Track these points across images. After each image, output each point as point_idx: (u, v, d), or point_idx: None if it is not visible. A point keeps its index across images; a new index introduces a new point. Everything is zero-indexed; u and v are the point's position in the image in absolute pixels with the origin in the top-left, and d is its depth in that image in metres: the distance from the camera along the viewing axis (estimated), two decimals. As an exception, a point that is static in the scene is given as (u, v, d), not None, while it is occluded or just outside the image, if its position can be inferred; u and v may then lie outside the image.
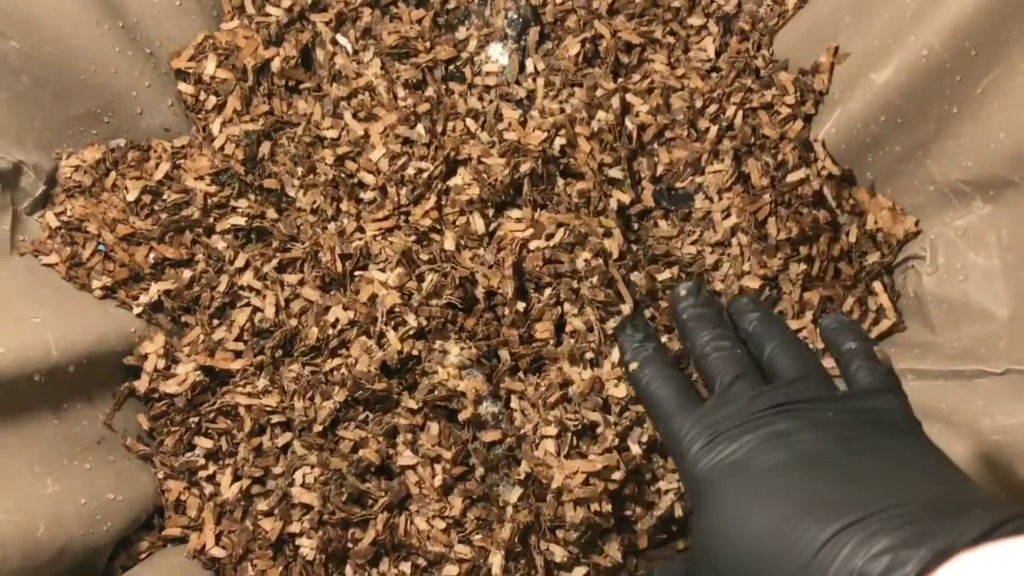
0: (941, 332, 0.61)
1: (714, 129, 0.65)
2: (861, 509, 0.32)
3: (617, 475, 0.56)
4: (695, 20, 0.70)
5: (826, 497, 0.33)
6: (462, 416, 0.58)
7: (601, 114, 0.64)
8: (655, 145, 0.66)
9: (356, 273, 0.61)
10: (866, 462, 0.36)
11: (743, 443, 0.38)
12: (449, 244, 0.60)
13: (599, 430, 0.57)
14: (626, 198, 0.63)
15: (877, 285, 0.65)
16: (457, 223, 0.61)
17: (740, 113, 0.65)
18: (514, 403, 0.59)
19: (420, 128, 0.64)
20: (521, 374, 0.60)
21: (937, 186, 0.62)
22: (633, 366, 0.49)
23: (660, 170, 0.65)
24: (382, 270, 0.60)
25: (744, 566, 0.34)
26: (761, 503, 0.34)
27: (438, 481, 0.57)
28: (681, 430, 0.41)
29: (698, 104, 0.66)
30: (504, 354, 0.59)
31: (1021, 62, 0.56)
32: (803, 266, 0.62)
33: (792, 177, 0.63)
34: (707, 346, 0.46)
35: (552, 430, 0.57)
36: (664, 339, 0.58)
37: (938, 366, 0.59)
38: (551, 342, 0.59)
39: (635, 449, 0.57)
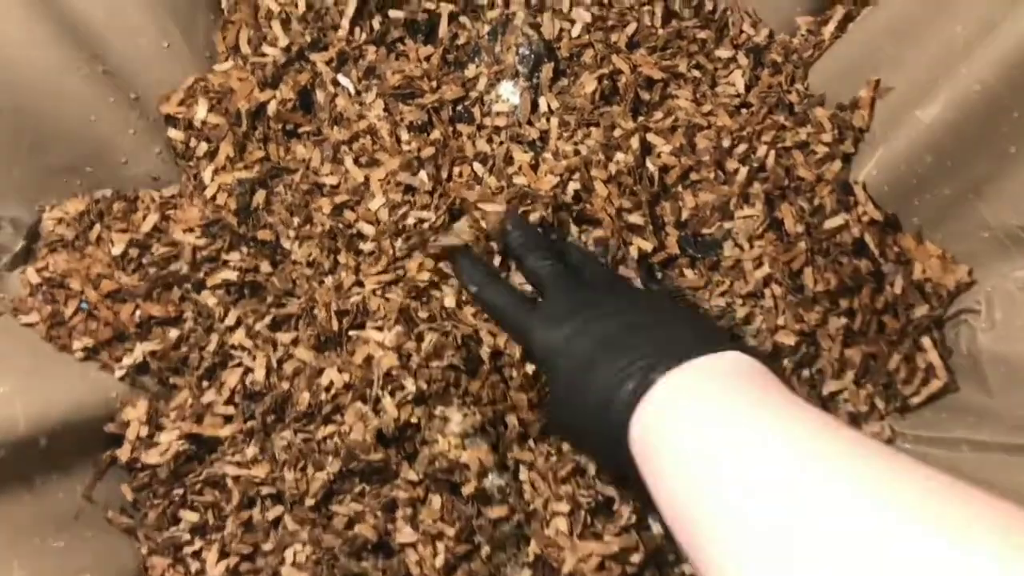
0: (998, 395, 0.55)
1: (744, 170, 0.60)
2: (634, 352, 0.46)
3: (635, 558, 0.51)
4: (723, 52, 0.65)
5: (615, 345, 0.48)
6: (466, 490, 0.53)
7: (619, 155, 0.60)
8: (679, 188, 0.61)
9: (352, 332, 0.57)
10: (637, 320, 0.50)
11: (571, 323, 0.50)
12: (450, 301, 0.56)
13: (616, 506, 0.53)
14: (648, 245, 0.58)
15: (926, 341, 0.59)
16: (460, 278, 0.57)
17: (772, 153, 0.61)
18: (523, 475, 0.54)
19: (423, 175, 0.59)
20: (531, 442, 0.55)
21: (992, 232, 0.57)
22: (474, 289, 0.56)
23: (685, 215, 0.61)
24: (379, 328, 0.56)
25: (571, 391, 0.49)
26: (580, 358, 0.49)
27: (440, 561, 0.53)
28: (526, 324, 0.53)
29: (726, 143, 0.61)
30: (512, 420, 0.55)
31: (1086, 96, 0.50)
32: (843, 320, 0.58)
33: (830, 223, 0.59)
34: (537, 265, 0.55)
35: (564, 507, 0.52)
36: None
37: (997, 438, 0.53)
38: (563, 408, 0.55)
39: (656, 528, 0.52)
